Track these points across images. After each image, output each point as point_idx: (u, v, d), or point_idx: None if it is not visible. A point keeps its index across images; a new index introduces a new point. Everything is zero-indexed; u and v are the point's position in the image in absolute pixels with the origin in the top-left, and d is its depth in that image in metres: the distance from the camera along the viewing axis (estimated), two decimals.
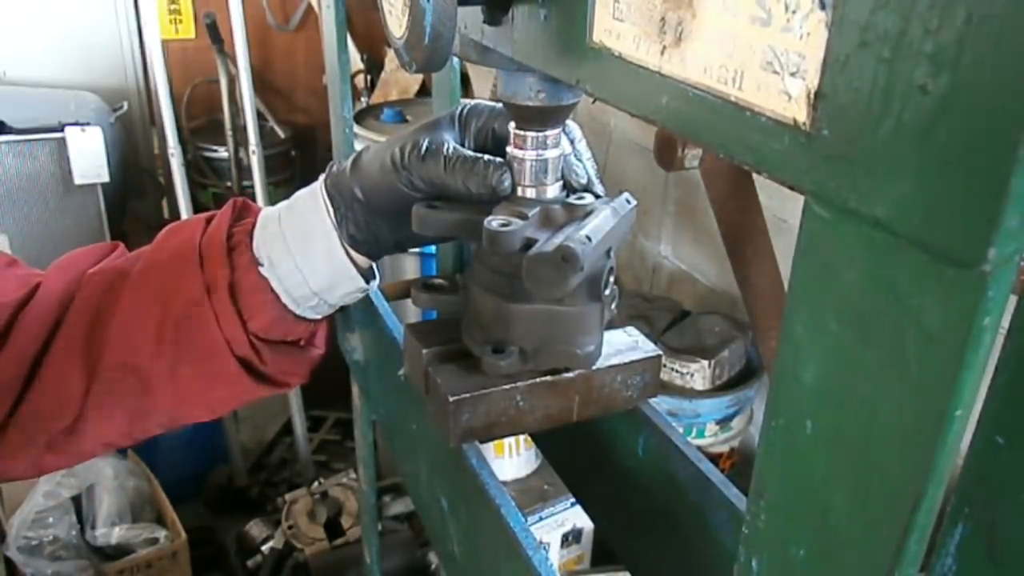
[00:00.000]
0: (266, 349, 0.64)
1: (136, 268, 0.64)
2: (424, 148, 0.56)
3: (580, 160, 0.57)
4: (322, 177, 0.63)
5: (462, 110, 0.61)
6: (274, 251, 0.62)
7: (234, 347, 0.63)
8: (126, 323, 0.63)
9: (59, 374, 0.63)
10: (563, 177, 0.56)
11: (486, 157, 0.55)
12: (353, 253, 0.63)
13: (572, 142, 0.57)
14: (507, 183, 0.54)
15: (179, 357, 0.63)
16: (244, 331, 0.62)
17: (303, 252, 0.61)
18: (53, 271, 0.67)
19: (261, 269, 0.62)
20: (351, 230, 0.61)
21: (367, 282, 0.64)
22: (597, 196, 0.56)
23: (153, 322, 0.62)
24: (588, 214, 0.52)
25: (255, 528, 2.17)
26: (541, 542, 1.00)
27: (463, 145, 0.59)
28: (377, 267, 0.67)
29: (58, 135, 2.19)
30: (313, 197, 0.62)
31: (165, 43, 2.24)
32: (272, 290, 0.62)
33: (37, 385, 0.63)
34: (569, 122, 0.57)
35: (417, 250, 2.09)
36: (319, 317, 0.66)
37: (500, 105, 0.59)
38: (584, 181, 0.56)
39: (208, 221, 0.65)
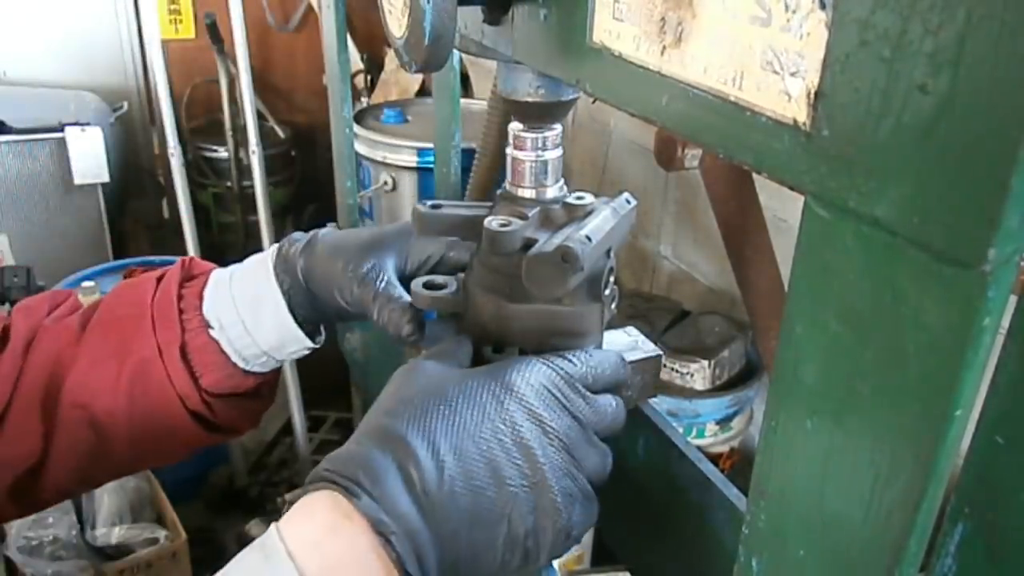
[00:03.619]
0: (217, 403, 0.67)
1: (90, 326, 0.66)
2: (363, 275, 0.60)
3: None
4: (274, 248, 0.66)
5: (412, 237, 0.64)
6: (224, 315, 0.64)
7: (187, 403, 0.65)
8: (82, 379, 0.64)
9: (21, 422, 0.64)
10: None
11: (404, 300, 0.58)
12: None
13: None
14: (408, 333, 0.57)
15: (134, 411, 0.65)
16: (196, 388, 0.65)
17: (252, 316, 0.64)
18: (17, 316, 0.68)
19: (211, 331, 0.64)
20: (293, 305, 0.64)
21: (313, 340, 0.67)
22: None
23: (109, 378, 0.64)
24: (588, 214, 0.52)
25: (255, 528, 2.17)
26: None
27: (404, 266, 0.63)
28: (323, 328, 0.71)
29: (58, 135, 2.19)
30: (263, 267, 0.65)
31: (165, 43, 2.24)
32: (222, 350, 0.65)
33: (4, 431, 0.64)
34: None
35: None
36: (267, 371, 0.69)
37: (445, 240, 0.63)
38: None
39: (159, 280, 0.67)
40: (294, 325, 0.64)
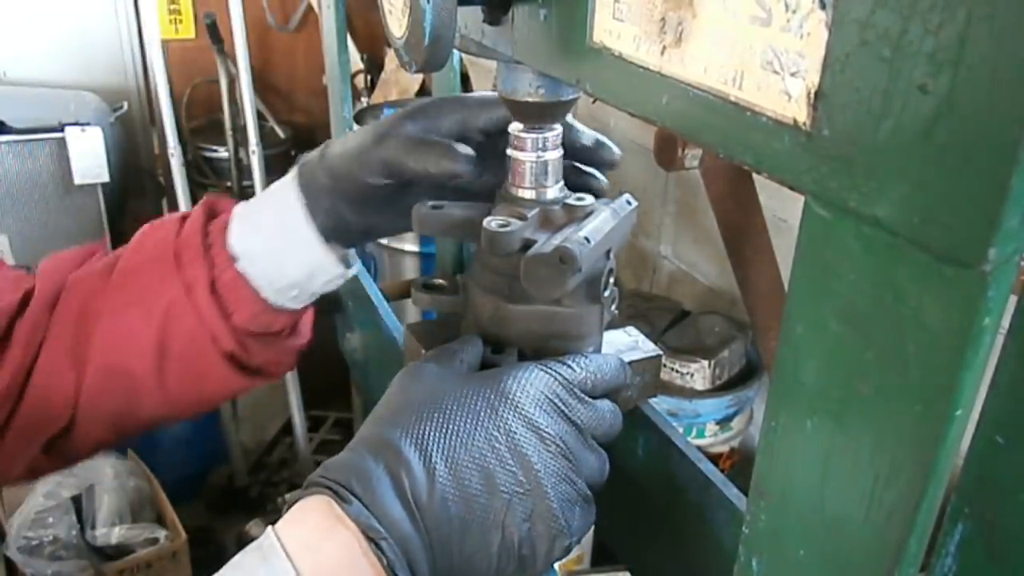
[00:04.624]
0: (251, 342, 0.65)
1: (115, 272, 0.65)
2: (382, 132, 0.57)
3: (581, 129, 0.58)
4: (296, 167, 0.64)
5: (434, 101, 0.60)
6: (251, 245, 0.62)
7: (219, 342, 0.63)
8: (110, 327, 0.63)
9: (50, 379, 0.63)
10: (569, 141, 0.56)
11: (445, 141, 0.55)
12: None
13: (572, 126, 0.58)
14: (461, 167, 0.54)
15: (165, 356, 0.63)
16: (227, 326, 0.63)
17: (280, 244, 0.62)
18: (42, 275, 0.67)
19: (239, 264, 0.62)
20: (320, 217, 0.61)
21: (345, 267, 0.65)
22: (611, 164, 0.56)
23: (136, 324, 0.63)
24: (588, 215, 0.52)
25: (255, 528, 2.17)
26: None
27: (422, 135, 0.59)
28: (365, 257, 0.67)
29: (58, 135, 2.19)
30: (287, 188, 0.63)
31: (165, 43, 2.24)
32: (251, 285, 0.62)
33: (31, 390, 0.63)
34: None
35: (417, 249, 2.09)
36: (300, 307, 0.67)
37: (480, 95, 0.59)
38: (588, 142, 0.57)
39: (183, 220, 0.66)
40: (321, 247, 0.62)
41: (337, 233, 0.63)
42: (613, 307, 0.55)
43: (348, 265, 0.65)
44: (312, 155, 0.63)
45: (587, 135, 0.58)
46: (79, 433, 0.65)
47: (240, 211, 0.64)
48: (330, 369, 1.82)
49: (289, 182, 0.63)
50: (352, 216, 0.62)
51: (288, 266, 0.62)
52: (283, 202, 0.62)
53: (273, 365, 0.68)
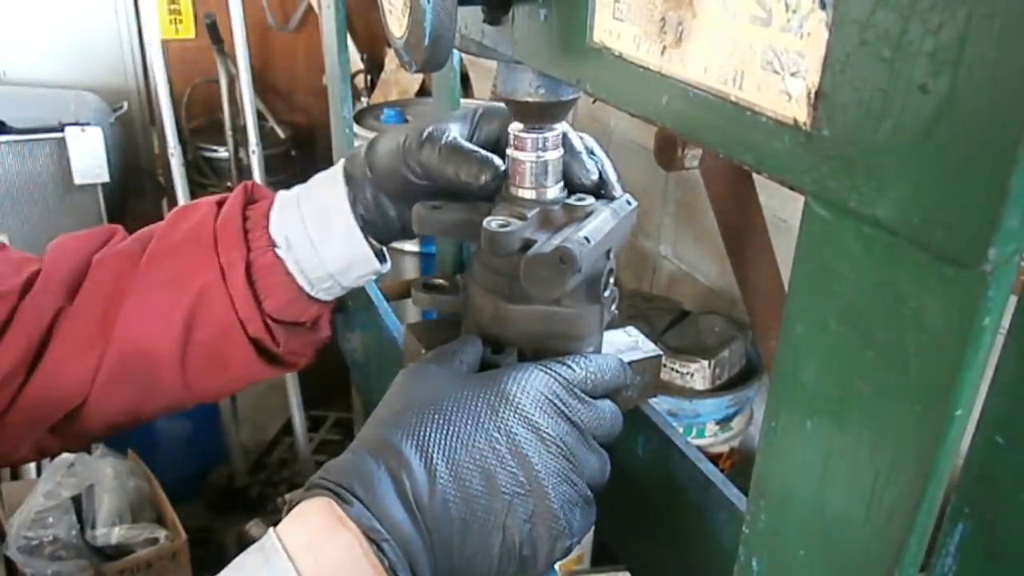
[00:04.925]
0: (279, 330, 0.65)
1: (147, 252, 0.65)
2: (425, 135, 0.58)
3: (595, 159, 0.57)
4: (343, 159, 0.65)
5: (479, 109, 0.62)
6: (292, 232, 0.63)
7: (248, 328, 0.64)
8: (138, 306, 0.63)
9: (65, 360, 0.63)
10: (572, 175, 0.55)
11: (483, 152, 0.56)
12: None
13: (590, 150, 0.57)
14: (490, 178, 0.55)
15: (191, 337, 0.64)
16: (259, 312, 0.64)
17: (321, 233, 0.63)
18: (52, 257, 0.67)
19: (278, 251, 0.63)
20: (361, 210, 0.63)
21: (380, 262, 0.65)
22: (613, 199, 0.56)
23: (166, 303, 0.63)
24: (588, 215, 0.52)
25: (255, 528, 2.17)
26: None
27: (470, 138, 0.60)
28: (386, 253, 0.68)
29: (58, 135, 2.19)
30: (332, 178, 0.64)
31: (165, 43, 2.24)
32: (288, 272, 0.63)
33: (41, 371, 0.63)
34: (586, 136, 0.57)
35: (417, 249, 2.09)
36: (330, 299, 0.67)
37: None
38: (594, 177, 0.56)
39: (219, 204, 0.66)
40: (362, 240, 0.63)
41: (376, 227, 0.64)
42: (613, 307, 0.55)
43: (383, 260, 0.66)
44: (359, 148, 0.64)
45: (592, 172, 0.56)
46: (90, 415, 0.65)
47: (283, 198, 0.65)
48: (330, 369, 1.82)
49: (335, 173, 0.64)
50: (393, 211, 0.63)
51: (327, 256, 0.63)
52: (328, 192, 0.63)
53: (295, 356, 0.69)
